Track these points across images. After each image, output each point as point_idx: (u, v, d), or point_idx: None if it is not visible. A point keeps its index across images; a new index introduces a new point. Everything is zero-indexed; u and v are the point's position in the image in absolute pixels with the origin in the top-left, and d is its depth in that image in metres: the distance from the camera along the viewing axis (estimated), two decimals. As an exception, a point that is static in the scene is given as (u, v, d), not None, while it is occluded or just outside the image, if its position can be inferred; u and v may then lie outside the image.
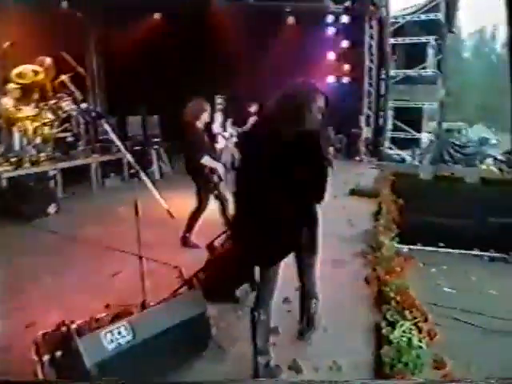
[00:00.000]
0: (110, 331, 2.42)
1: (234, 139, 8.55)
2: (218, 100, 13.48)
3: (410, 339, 3.00)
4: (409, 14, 13.79)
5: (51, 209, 6.34)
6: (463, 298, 4.25)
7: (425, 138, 14.62)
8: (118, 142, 3.56)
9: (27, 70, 7.52)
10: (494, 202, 8.26)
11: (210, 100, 13.19)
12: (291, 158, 2.45)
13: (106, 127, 3.65)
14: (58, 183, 7.25)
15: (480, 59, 36.13)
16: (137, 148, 9.50)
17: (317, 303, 3.20)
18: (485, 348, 3.36)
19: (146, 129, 10.32)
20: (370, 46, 12.06)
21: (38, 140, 7.41)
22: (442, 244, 6.75)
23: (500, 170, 11.17)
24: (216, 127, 8.31)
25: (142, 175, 3.57)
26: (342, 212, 6.63)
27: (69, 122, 7.96)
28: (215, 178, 5.02)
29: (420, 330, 3.12)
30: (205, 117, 5.15)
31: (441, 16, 13.31)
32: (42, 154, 7.29)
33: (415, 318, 3.23)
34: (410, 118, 13.87)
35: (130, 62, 11.48)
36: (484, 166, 13.23)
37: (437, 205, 8.07)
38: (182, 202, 7.40)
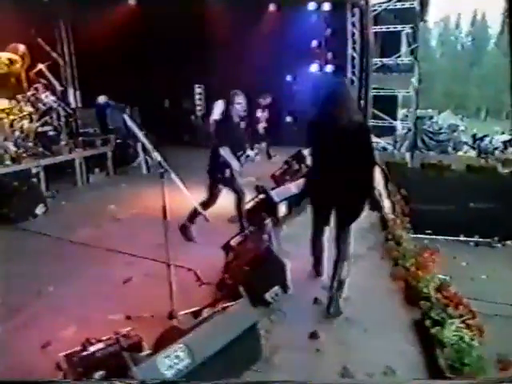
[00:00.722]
0: (167, 356, 2.14)
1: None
2: (197, 89, 13.23)
3: (461, 338, 2.89)
4: (385, 2, 13.78)
5: (39, 209, 5.85)
6: (458, 285, 4.17)
7: (400, 125, 14.80)
8: (144, 140, 3.25)
9: (1, 59, 6.88)
10: (479, 189, 8.46)
11: (189, 89, 13.16)
12: (348, 137, 3.36)
13: (130, 123, 3.32)
14: (41, 181, 6.72)
15: (445, 47, 37.07)
16: (119, 141, 9.01)
17: (349, 266, 3.67)
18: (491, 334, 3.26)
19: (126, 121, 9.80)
20: (353, 34, 11.96)
21: (17, 134, 6.83)
22: (429, 231, 6.83)
23: (480, 156, 11.45)
24: (216, 116, 8.00)
25: (173, 176, 3.29)
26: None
27: (49, 114, 7.36)
28: (227, 173, 4.77)
29: (469, 328, 3.02)
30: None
31: (415, 4, 13.38)
32: (22, 150, 6.72)
33: (461, 315, 3.13)
34: (386, 106, 13.96)
35: (106, 50, 10.85)
36: (461, 153, 13.55)
37: (424, 192, 8.16)
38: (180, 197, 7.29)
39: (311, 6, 11.70)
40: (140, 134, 3.34)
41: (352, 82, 12.33)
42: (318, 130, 3.57)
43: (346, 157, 3.32)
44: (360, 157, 3.32)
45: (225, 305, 2.66)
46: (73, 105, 9.80)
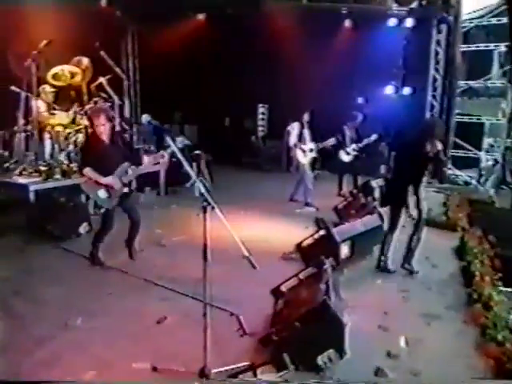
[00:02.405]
0: None
1: (313, 155, 7.96)
2: (260, 109, 13.13)
3: None
4: (477, 18, 12.93)
5: (83, 228, 5.80)
6: None
7: (484, 157, 13.63)
8: (187, 167, 2.98)
9: (64, 71, 7.11)
10: None
11: (252, 108, 13.07)
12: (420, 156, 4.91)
13: (171, 145, 3.06)
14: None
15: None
16: (173, 160, 8.97)
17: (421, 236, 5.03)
18: None
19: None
20: (437, 53, 11.23)
21: (71, 148, 6.95)
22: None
23: None
24: (293, 139, 7.80)
25: (217, 211, 2.95)
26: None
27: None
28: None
29: None
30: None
31: (513, 21, 12.40)
32: (74, 164, 6.80)
33: None
34: (469, 134, 12.94)
35: (169, 65, 11.07)
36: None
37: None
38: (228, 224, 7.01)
39: (391, 22, 11.15)
40: (183, 159, 3.06)
41: (432, 107, 11.57)
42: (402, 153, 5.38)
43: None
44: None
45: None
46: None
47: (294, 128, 7.95)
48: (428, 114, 11.67)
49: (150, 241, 5.85)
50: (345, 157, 8.72)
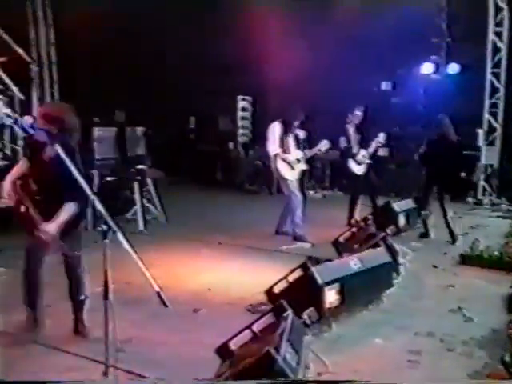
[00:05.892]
0: None
1: (302, 167, 8.47)
2: (241, 102, 13.64)
3: None
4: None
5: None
6: None
7: None
8: (79, 178, 3.42)
9: None
10: None
11: (229, 102, 13.58)
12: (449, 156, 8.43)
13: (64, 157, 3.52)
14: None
15: None
16: (109, 179, 9.43)
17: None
18: None
19: (125, 148, 10.28)
20: (498, 9, 11.58)
21: None
22: None
23: None
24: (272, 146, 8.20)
25: (119, 235, 3.39)
26: (448, 294, 6.22)
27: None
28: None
29: None
30: None
31: None
32: None
33: None
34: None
35: (101, 44, 11.75)
36: None
37: None
38: (177, 270, 7.20)
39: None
40: (75, 172, 3.50)
41: (494, 90, 12.02)
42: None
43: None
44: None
45: None
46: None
47: (273, 130, 8.22)
48: (487, 102, 12.15)
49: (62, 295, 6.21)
50: (355, 167, 9.20)
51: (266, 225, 8.97)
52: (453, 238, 8.48)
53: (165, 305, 3.37)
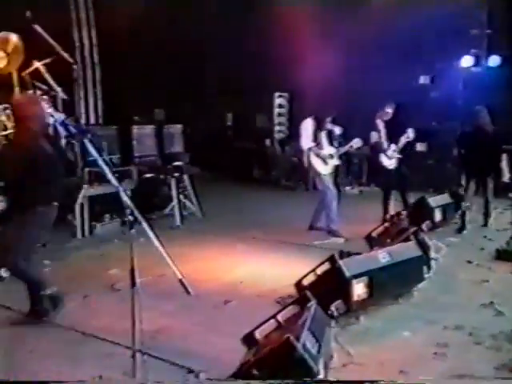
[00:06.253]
0: None
1: (335, 162, 8.64)
2: (278, 99, 13.80)
3: None
4: None
5: (4, 272, 6.38)
6: None
7: None
8: (108, 172, 3.60)
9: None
10: None
11: (266, 99, 13.74)
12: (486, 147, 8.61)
13: (90, 149, 3.71)
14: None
15: None
16: (147, 176, 9.70)
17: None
18: None
19: (164, 146, 10.54)
20: None
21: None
22: None
23: None
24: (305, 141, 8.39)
25: (145, 226, 3.58)
26: (481, 289, 6.23)
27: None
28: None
29: None
30: None
31: None
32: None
33: None
34: None
35: (141, 44, 12.03)
36: None
37: None
38: (212, 264, 7.47)
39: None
40: (102, 164, 3.68)
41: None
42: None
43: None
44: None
45: None
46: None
47: (306, 126, 8.44)
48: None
49: (101, 284, 6.49)
50: (386, 162, 9.25)
51: (300, 220, 9.10)
52: (486, 220, 9.07)
53: (187, 292, 3.56)
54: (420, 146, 12.67)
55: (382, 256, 5.52)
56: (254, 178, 13.44)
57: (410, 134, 9.10)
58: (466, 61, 12.19)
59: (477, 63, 12.18)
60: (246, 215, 10.02)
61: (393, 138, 9.17)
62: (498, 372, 4.54)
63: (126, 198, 3.63)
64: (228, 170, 13.00)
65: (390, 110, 9.15)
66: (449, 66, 12.20)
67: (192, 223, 9.55)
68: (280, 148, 13.57)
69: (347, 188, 12.15)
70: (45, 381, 3.85)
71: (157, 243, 3.59)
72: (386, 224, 7.42)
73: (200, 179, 10.73)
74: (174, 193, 9.51)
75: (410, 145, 9.40)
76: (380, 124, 9.22)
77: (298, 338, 3.54)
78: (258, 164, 13.68)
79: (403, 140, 9.09)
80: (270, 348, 3.64)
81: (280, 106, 13.94)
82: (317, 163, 8.41)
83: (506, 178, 9.29)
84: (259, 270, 6.98)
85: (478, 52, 12.21)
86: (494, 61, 12.07)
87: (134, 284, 3.63)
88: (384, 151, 9.17)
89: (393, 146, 9.13)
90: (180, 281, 3.52)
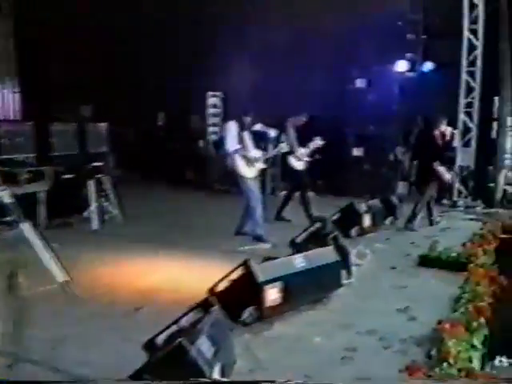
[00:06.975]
0: None
1: (261, 165, 8.65)
2: (211, 99, 13.75)
3: None
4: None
5: None
6: None
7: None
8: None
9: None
10: None
11: (199, 98, 13.70)
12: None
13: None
14: None
15: None
16: (67, 176, 9.45)
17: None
18: None
19: (85, 145, 10.34)
20: (472, 6, 11.63)
21: None
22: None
23: None
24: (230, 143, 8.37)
25: (22, 226, 3.43)
26: (399, 295, 6.33)
27: None
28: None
29: None
30: None
31: None
32: None
33: None
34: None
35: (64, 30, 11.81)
36: None
37: None
38: (127, 269, 7.24)
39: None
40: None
41: (469, 90, 12.10)
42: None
43: None
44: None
45: None
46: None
47: (228, 128, 8.41)
48: (463, 101, 12.21)
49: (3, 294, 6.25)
50: (295, 163, 9.96)
51: (228, 225, 8.99)
52: (430, 220, 10.12)
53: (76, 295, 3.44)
54: (356, 151, 12.81)
55: (298, 261, 5.49)
56: (186, 180, 13.29)
57: (318, 140, 9.82)
58: (401, 65, 12.40)
59: (412, 68, 12.40)
60: (171, 219, 9.85)
61: (302, 143, 9.84)
62: (400, 375, 4.62)
63: (7, 199, 3.47)
64: (159, 171, 12.77)
65: (304, 119, 9.92)
66: (385, 69, 12.37)
67: (113, 227, 9.32)
68: (214, 150, 13.46)
69: (283, 192, 12.15)
70: (45, 381, 3.76)
71: (40, 247, 3.44)
72: (311, 229, 7.38)
73: (128, 181, 10.56)
74: (92, 195, 9.28)
75: (318, 151, 10.20)
76: (290, 129, 9.80)
77: (192, 342, 3.50)
78: (190, 166, 13.53)
79: (311, 146, 9.82)
80: (163, 352, 3.58)
81: (214, 106, 13.85)
82: (241, 166, 8.31)
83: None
84: (178, 275, 6.87)
85: (414, 57, 12.43)
86: (428, 66, 12.39)
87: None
88: (292, 153, 9.74)
89: (302, 149, 9.78)
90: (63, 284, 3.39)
